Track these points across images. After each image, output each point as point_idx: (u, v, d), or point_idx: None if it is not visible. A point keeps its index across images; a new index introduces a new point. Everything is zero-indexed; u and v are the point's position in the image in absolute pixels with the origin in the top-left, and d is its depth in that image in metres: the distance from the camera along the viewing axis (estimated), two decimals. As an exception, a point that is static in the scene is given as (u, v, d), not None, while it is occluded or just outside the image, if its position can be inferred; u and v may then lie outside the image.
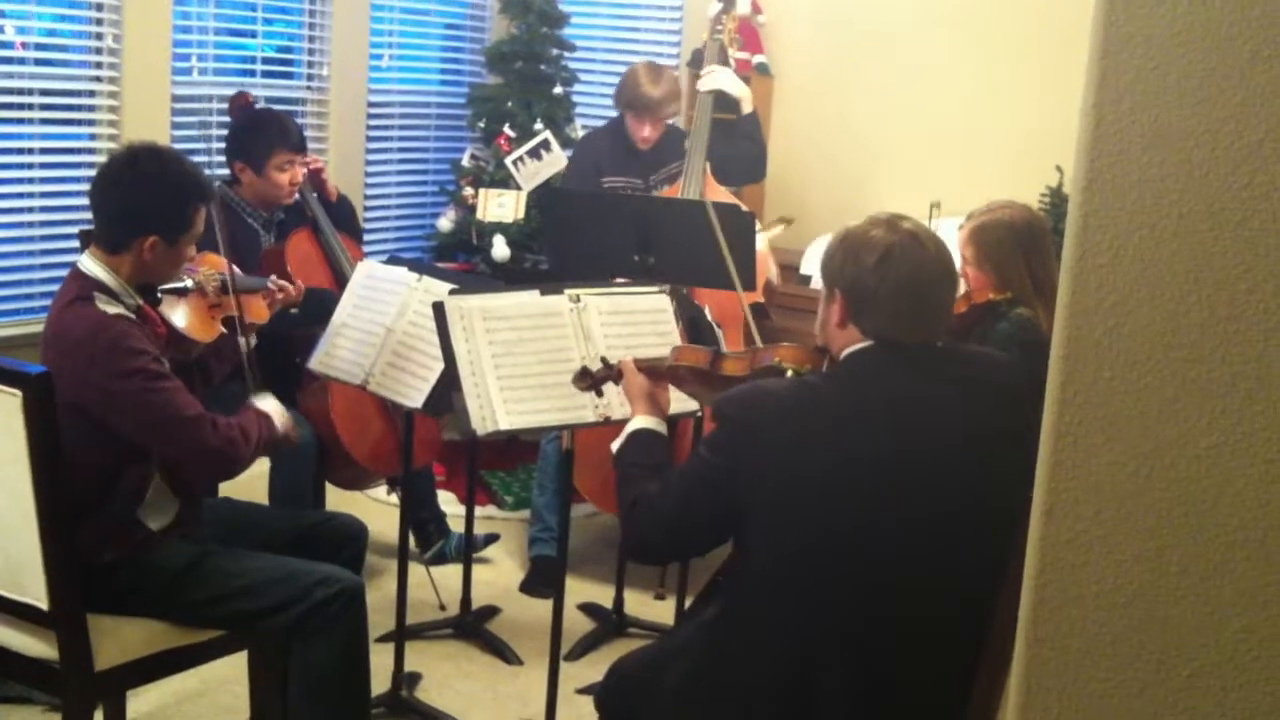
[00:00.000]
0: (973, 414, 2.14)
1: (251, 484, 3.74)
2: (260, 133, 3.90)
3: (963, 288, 3.19)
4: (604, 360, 2.66)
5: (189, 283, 2.86)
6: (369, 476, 4.05)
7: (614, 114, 4.75)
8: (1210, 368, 1.25)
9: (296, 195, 3.99)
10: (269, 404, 2.87)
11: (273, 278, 3.24)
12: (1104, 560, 1.32)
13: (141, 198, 2.63)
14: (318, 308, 3.46)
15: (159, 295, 2.79)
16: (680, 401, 2.65)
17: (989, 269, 3.09)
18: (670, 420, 2.53)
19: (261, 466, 3.75)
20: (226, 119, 4.18)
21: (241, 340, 2.93)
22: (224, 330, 2.94)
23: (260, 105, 4.19)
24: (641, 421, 2.43)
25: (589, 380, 2.65)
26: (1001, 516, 2.10)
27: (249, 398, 2.87)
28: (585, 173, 4.56)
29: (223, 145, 4.06)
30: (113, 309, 2.59)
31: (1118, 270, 1.28)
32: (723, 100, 4.54)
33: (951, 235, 3.25)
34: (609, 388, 2.72)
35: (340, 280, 3.92)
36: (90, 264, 2.65)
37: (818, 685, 2.08)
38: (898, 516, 2.06)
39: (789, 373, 2.27)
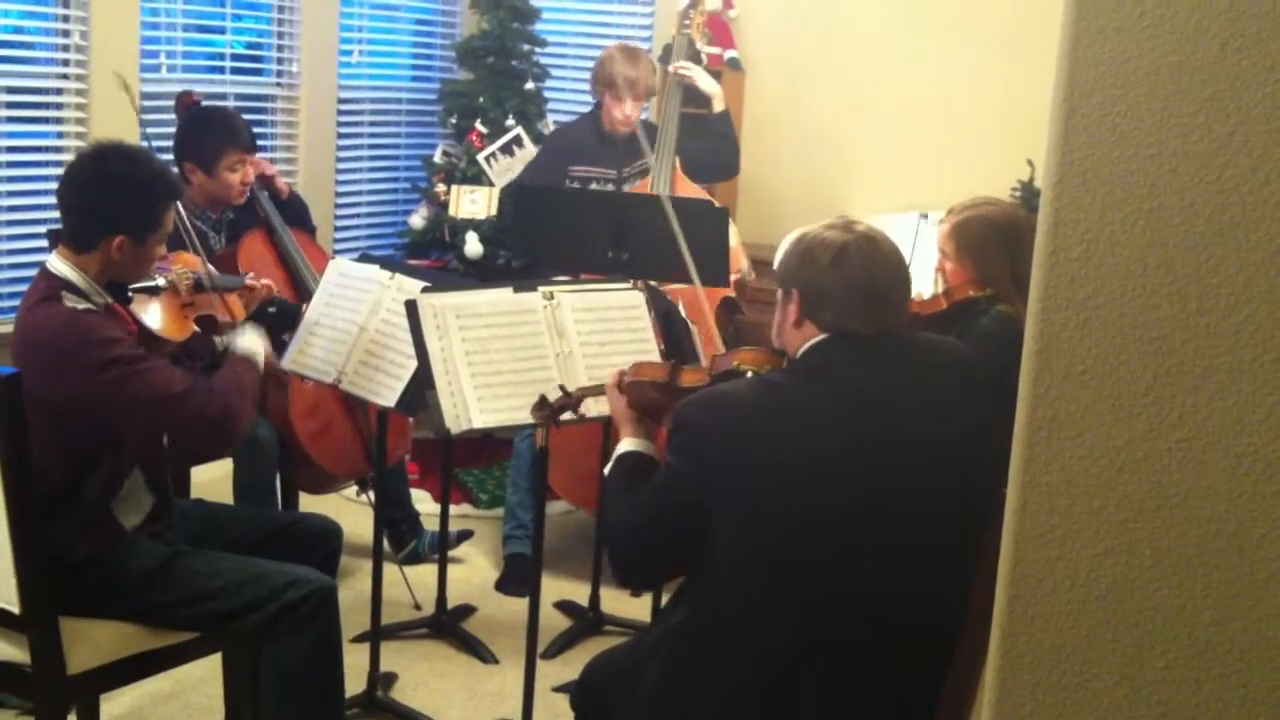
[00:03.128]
0: (932, 401, 2.16)
1: (216, 484, 3.72)
2: (209, 133, 3.80)
3: (942, 284, 3.19)
4: (563, 388, 2.65)
5: (161, 281, 2.84)
6: (332, 479, 4.01)
7: (585, 108, 4.74)
8: (1182, 361, 1.26)
9: (246, 195, 3.93)
10: (248, 341, 2.88)
11: (250, 275, 3.21)
12: (1077, 554, 1.32)
13: (110, 197, 2.61)
14: (284, 318, 3.44)
15: (130, 295, 2.77)
16: None
17: (969, 264, 3.08)
18: None
19: (225, 468, 3.73)
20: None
21: (217, 340, 2.92)
22: (197, 329, 2.92)
23: (205, 104, 4.10)
24: (628, 444, 2.42)
25: (546, 410, 2.64)
26: (967, 502, 2.11)
27: (230, 338, 2.88)
28: (551, 161, 4.55)
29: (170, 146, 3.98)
30: (81, 306, 2.57)
31: (1089, 264, 1.28)
32: (692, 94, 4.54)
33: (933, 231, 3.25)
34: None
35: (296, 280, 3.88)
36: (59, 263, 2.63)
37: (792, 683, 2.08)
38: (865, 506, 2.06)
39: (748, 374, 2.28)
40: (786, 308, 2.22)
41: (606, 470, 2.43)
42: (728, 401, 2.13)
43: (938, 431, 2.13)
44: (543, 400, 2.64)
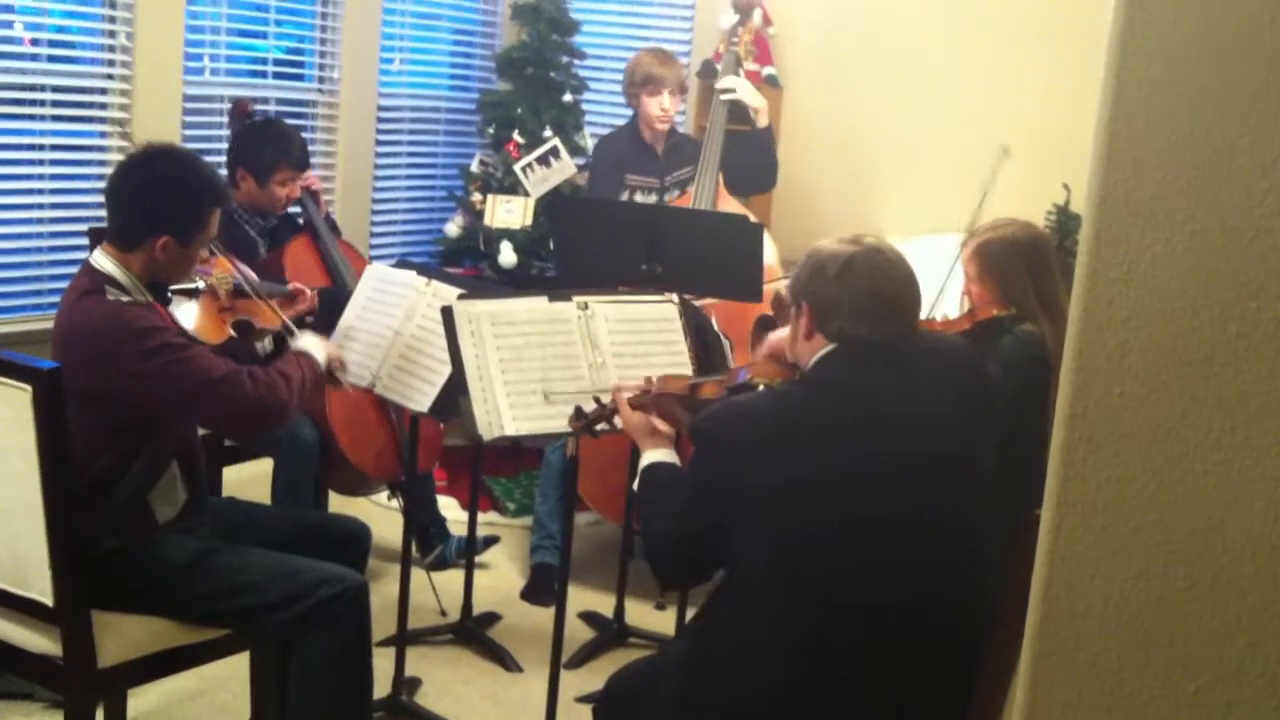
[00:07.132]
0: (942, 404, 2.18)
1: (255, 485, 3.75)
2: (269, 145, 3.95)
3: (966, 305, 3.19)
4: (597, 400, 2.68)
5: (201, 284, 2.88)
6: (367, 481, 4.05)
7: (622, 122, 4.77)
8: (1220, 383, 1.26)
9: (288, 209, 4.05)
10: (307, 341, 2.92)
11: (294, 283, 3.25)
12: (1111, 574, 1.32)
13: (156, 198, 2.65)
14: (329, 306, 3.47)
15: (170, 295, 2.80)
16: None
17: (992, 285, 3.09)
18: None
19: (262, 466, 3.76)
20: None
21: (258, 345, 2.95)
22: (233, 334, 2.95)
23: (259, 114, 4.22)
24: (651, 456, 2.47)
25: (583, 420, 2.68)
26: (979, 500, 2.13)
27: (291, 342, 2.94)
28: (608, 171, 4.61)
29: (226, 149, 4.09)
30: (124, 300, 2.61)
31: (1130, 285, 1.28)
32: (736, 111, 4.56)
33: (954, 253, 3.26)
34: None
35: (338, 285, 3.93)
36: (103, 259, 2.66)
37: (812, 694, 2.08)
38: (876, 515, 2.08)
39: (761, 387, 2.34)
40: (798, 321, 2.27)
41: (636, 485, 2.47)
42: (743, 415, 2.17)
43: (947, 436, 2.16)
44: (579, 411, 2.67)
